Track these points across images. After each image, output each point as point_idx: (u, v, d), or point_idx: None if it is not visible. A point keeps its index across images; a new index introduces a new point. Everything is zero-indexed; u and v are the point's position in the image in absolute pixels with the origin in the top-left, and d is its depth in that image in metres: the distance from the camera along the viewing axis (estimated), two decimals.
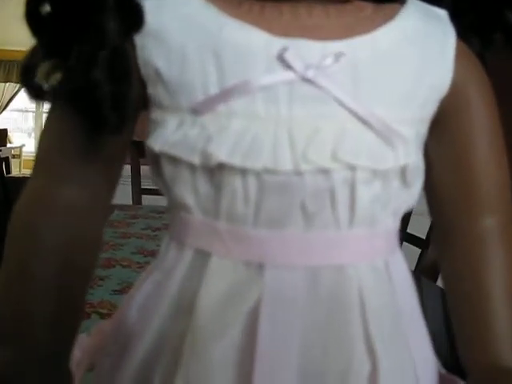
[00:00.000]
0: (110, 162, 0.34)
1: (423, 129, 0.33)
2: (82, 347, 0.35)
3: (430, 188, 0.36)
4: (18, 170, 7.14)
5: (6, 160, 4.18)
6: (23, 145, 7.80)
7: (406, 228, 1.67)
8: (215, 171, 0.29)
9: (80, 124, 0.31)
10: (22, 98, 8.19)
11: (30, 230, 0.34)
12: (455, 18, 0.34)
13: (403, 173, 0.31)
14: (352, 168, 0.29)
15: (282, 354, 0.28)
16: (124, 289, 1.06)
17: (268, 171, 0.28)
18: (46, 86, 0.30)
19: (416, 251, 1.51)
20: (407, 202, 0.33)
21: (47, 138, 0.34)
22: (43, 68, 0.30)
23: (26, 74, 0.31)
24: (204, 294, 0.30)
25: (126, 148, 0.35)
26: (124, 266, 1.19)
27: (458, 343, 0.36)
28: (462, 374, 0.35)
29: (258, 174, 0.28)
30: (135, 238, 1.45)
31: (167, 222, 0.34)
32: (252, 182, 0.28)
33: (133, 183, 2.25)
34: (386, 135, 0.29)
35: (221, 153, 0.28)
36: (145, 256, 1.27)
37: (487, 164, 0.35)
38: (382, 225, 0.32)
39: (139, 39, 0.31)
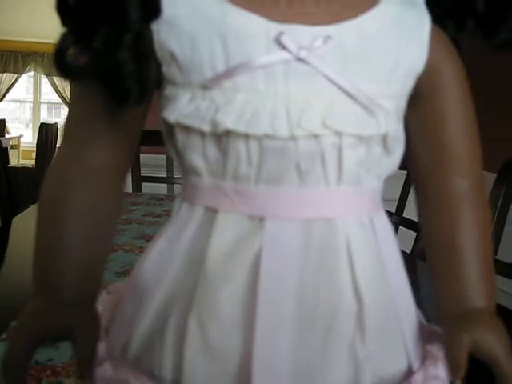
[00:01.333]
0: (130, 130, 0.40)
1: (402, 103, 0.38)
2: (102, 303, 0.39)
3: (410, 156, 0.41)
4: (17, 160, 7.14)
5: (5, 150, 4.20)
6: (21, 135, 7.80)
7: (402, 213, 1.72)
8: (222, 137, 0.34)
9: (106, 97, 0.36)
10: (20, 89, 8.19)
11: (61, 188, 0.39)
12: (430, 4, 0.39)
13: (385, 140, 0.36)
14: (339, 134, 0.34)
15: (281, 294, 0.33)
16: (127, 271, 1.10)
17: (267, 137, 0.33)
18: (76, 67, 0.35)
19: (412, 235, 1.55)
20: (389, 167, 0.38)
21: (75, 110, 0.39)
22: (72, 51, 0.34)
23: (58, 57, 0.35)
24: (213, 245, 0.34)
25: (144, 118, 0.40)
26: (126, 251, 1.23)
27: (435, 294, 0.41)
28: None
29: (259, 139, 0.33)
30: (136, 224, 1.48)
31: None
32: (254, 146, 0.33)
33: (133, 171, 2.28)
34: (369, 107, 0.34)
35: (227, 121, 0.33)
36: (146, 241, 1.30)
37: (459, 135, 0.40)
38: (367, 185, 0.37)
39: (155, 25, 0.35)
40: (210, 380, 0.33)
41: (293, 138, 0.33)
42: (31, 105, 8.27)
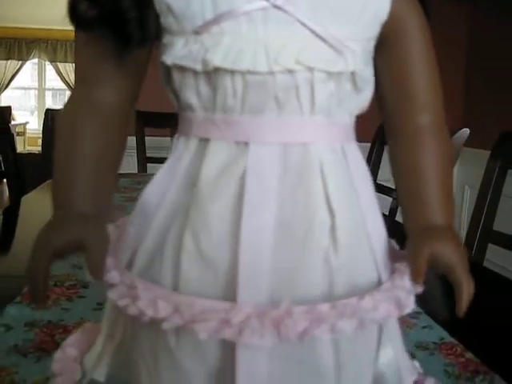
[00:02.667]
0: (134, 74, 0.45)
1: (369, 46, 0.42)
2: (110, 235, 0.43)
3: (380, 97, 0.45)
4: (23, 147, 7.19)
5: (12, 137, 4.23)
6: (27, 122, 7.84)
7: None
8: (211, 75, 0.39)
9: (112, 42, 0.41)
10: (24, 76, 8.23)
11: (74, 121, 0.44)
12: None
13: (354, 78, 0.41)
14: (311, 69, 0.39)
15: (263, 208, 0.38)
16: None
17: (250, 72, 0.39)
18: (86, 17, 0.40)
19: None
20: (359, 104, 0.44)
21: (84, 56, 0.45)
22: (83, 3, 0.40)
23: (71, 11, 0.40)
24: (205, 169, 0.40)
25: (146, 64, 0.46)
26: None
27: (402, 216, 0.45)
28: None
29: (242, 75, 0.39)
30: None
31: None
32: (238, 80, 0.39)
33: (138, 152, 2.32)
34: (337, 47, 0.39)
35: (215, 60, 0.38)
36: None
37: (422, 77, 0.45)
38: (339, 118, 0.42)
39: None
40: (202, 286, 0.37)
41: (271, 72, 0.38)
42: (36, 92, 8.29)
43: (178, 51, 0.40)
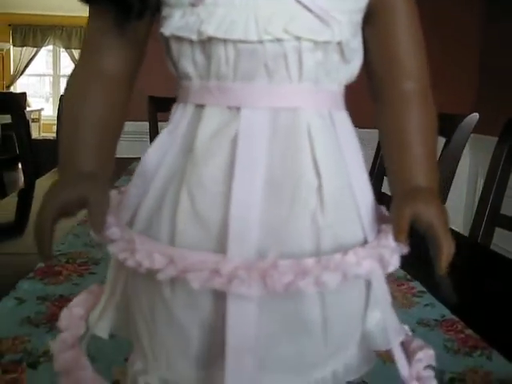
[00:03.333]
0: (136, 43, 0.48)
1: (357, 18, 0.44)
2: (113, 199, 0.46)
3: (368, 68, 0.47)
4: (38, 133, 7.26)
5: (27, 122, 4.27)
6: (42, 108, 7.91)
7: None
8: (206, 44, 0.41)
9: (114, 14, 0.44)
10: (39, 63, 8.28)
11: (80, 84, 0.47)
12: None
13: (341, 49, 0.43)
14: (298, 39, 0.41)
15: (253, 168, 0.40)
16: None
17: (241, 41, 0.41)
18: None
19: None
20: (347, 75, 0.45)
21: (90, 28, 0.48)
22: None
23: None
24: (200, 133, 0.42)
25: (147, 37, 0.48)
26: None
27: (388, 179, 0.47)
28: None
29: (234, 44, 0.41)
30: None
31: None
32: (230, 49, 0.41)
33: (151, 137, 2.35)
34: (323, 18, 0.41)
35: (209, 30, 0.41)
36: None
37: (408, 47, 0.47)
38: (327, 87, 0.44)
39: None
40: (196, 242, 0.40)
41: (261, 41, 0.41)
42: (51, 78, 8.34)
43: (175, 23, 0.42)
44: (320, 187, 0.41)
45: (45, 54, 8.23)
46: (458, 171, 1.54)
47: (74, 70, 0.48)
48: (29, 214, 1.46)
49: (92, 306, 0.46)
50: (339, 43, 0.42)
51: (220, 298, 0.39)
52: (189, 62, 0.43)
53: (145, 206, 0.43)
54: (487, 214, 1.40)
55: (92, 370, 0.42)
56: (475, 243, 1.38)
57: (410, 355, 0.44)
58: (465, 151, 1.55)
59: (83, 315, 0.46)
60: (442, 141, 1.65)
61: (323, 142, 0.42)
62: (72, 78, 0.48)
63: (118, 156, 0.50)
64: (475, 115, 1.52)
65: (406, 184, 0.45)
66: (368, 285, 0.43)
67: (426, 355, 0.44)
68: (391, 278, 1.02)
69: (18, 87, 7.85)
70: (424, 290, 0.94)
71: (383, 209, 0.46)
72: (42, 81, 8.57)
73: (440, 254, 0.42)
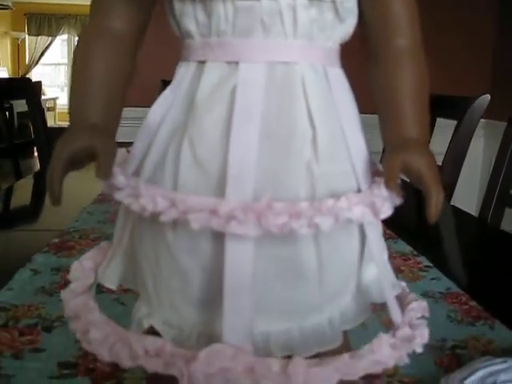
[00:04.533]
0: (143, 5, 0.50)
1: None
2: (120, 155, 0.48)
3: (363, 28, 0.50)
4: (53, 121, 7.32)
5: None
6: (57, 97, 7.96)
7: None
8: (207, 2, 0.44)
9: None
10: (54, 52, 8.33)
11: (88, 44, 0.49)
12: None
13: (335, 7, 0.45)
14: None
15: (250, 118, 0.42)
16: None
17: None
18: None
19: None
20: (341, 33, 0.47)
21: None
22: None
23: None
24: (201, 86, 0.45)
25: (154, 2, 0.50)
26: None
27: (381, 133, 0.49)
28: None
29: (232, 1, 0.43)
30: None
31: None
32: (229, 6, 0.43)
33: None
34: None
35: None
36: None
37: (401, 7, 0.49)
38: (321, 43, 0.46)
39: None
40: (197, 189, 0.42)
41: None
42: (66, 68, 8.39)
43: None
44: (314, 138, 0.43)
45: (59, 44, 8.29)
46: (472, 156, 1.54)
47: (82, 33, 0.51)
48: (44, 195, 1.50)
49: (101, 260, 0.49)
50: (333, 1, 0.44)
51: (219, 241, 0.41)
52: (191, 20, 0.45)
53: (150, 157, 0.45)
54: (497, 194, 1.40)
55: (100, 312, 0.44)
56: (484, 223, 1.39)
57: (404, 306, 0.46)
58: (479, 136, 1.56)
59: (93, 268, 0.48)
60: (453, 123, 1.66)
61: (317, 94, 0.44)
62: (80, 39, 0.50)
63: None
64: (487, 96, 1.52)
65: (397, 135, 0.47)
66: (363, 237, 0.45)
67: (420, 306, 0.46)
68: (398, 254, 1.03)
69: (33, 76, 7.90)
70: (430, 264, 0.95)
71: (379, 166, 0.47)
72: (57, 70, 8.62)
73: (430, 203, 0.43)
